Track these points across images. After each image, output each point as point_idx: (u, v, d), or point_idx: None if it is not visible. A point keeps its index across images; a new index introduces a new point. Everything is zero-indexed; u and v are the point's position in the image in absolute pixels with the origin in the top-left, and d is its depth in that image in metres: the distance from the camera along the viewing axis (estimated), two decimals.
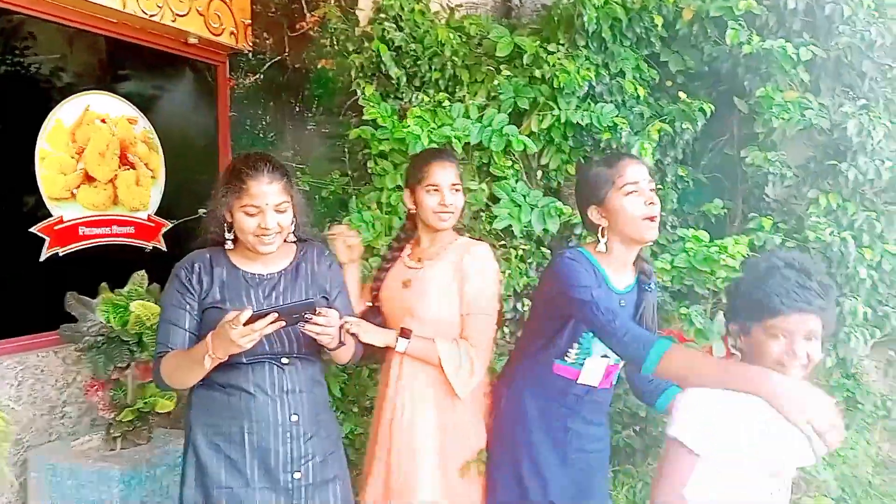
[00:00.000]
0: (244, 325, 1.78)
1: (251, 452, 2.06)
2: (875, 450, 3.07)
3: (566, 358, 2.13)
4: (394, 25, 3.36)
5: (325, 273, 2.23)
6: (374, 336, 2.30)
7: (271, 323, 1.81)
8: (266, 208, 2.02)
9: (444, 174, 2.37)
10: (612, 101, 3.32)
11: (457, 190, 2.39)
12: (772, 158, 3.14)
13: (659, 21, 3.30)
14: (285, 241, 2.18)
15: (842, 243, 2.94)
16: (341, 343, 2.12)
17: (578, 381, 2.14)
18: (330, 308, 2.07)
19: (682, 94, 3.29)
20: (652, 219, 2.02)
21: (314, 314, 1.89)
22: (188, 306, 2.07)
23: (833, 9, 3.07)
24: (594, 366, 2.13)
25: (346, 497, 2.22)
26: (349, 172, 3.69)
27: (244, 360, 2.03)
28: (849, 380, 3.05)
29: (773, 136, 3.28)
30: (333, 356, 2.21)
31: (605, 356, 2.12)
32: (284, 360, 2.11)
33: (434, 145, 2.98)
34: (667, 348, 1.78)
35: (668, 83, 3.54)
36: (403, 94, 3.46)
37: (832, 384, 3.04)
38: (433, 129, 3.03)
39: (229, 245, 2.12)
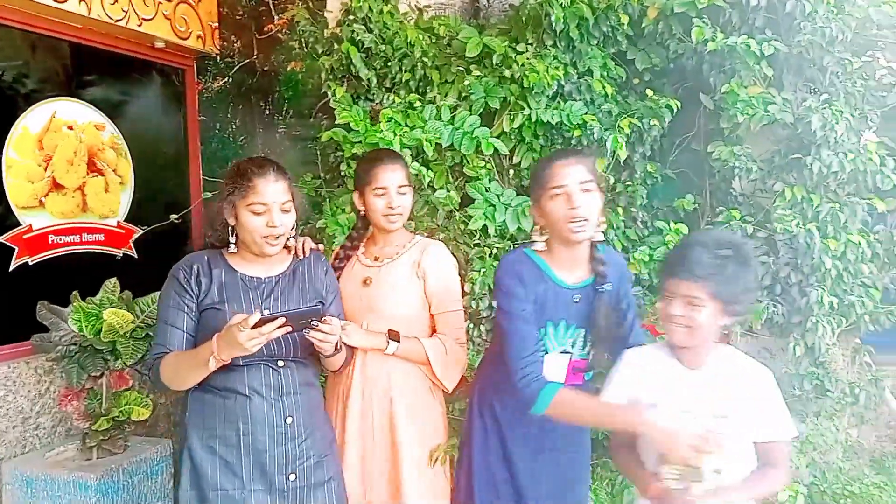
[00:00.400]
0: (252, 328, 1.78)
1: (246, 455, 2.07)
2: (844, 436, 3.15)
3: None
4: (363, 27, 3.37)
5: (322, 278, 2.26)
6: (364, 339, 2.34)
7: (279, 328, 1.81)
8: (273, 206, 2.04)
9: (391, 176, 2.40)
10: (580, 100, 3.36)
11: (403, 193, 2.42)
12: (738, 153, 3.20)
13: (625, 20, 3.35)
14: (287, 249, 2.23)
15: (807, 234, 3.02)
16: (337, 350, 2.14)
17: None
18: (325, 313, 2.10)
19: (649, 92, 3.34)
20: (573, 219, 1.97)
21: (320, 321, 1.91)
22: (186, 308, 2.07)
23: (794, 5, 3.14)
24: (555, 362, 2.11)
25: (341, 498, 2.24)
26: (321, 175, 3.68)
27: (240, 363, 2.04)
28: (817, 368, 3.12)
29: (739, 132, 3.35)
30: (326, 363, 2.23)
31: (566, 352, 2.11)
32: (280, 363, 2.12)
33: (406, 149, 3.00)
34: (555, 392, 1.90)
35: (636, 81, 3.60)
36: (374, 96, 3.47)
37: (801, 372, 3.11)
38: (405, 132, 3.04)
39: (233, 248, 2.13)
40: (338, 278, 2.44)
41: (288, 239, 2.17)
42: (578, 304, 2.08)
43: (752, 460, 1.82)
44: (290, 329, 1.84)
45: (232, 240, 2.12)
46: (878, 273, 3.26)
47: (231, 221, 2.10)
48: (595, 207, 2.01)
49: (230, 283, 2.12)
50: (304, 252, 2.27)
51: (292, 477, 2.12)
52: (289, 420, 2.12)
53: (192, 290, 2.09)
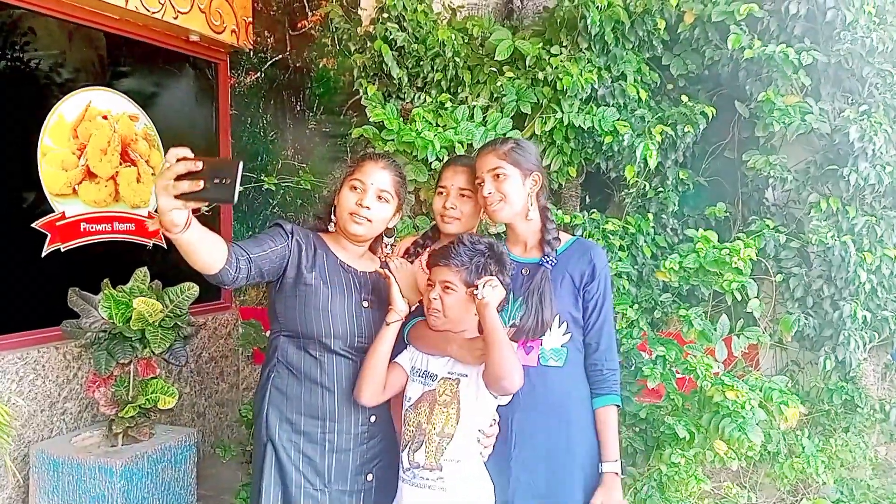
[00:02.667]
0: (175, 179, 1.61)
1: (329, 452, 2.10)
2: (873, 453, 3.10)
3: None
4: (396, 26, 3.36)
5: None
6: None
7: (193, 171, 1.60)
8: (369, 187, 2.11)
9: (452, 177, 2.42)
10: (613, 104, 3.33)
11: (463, 195, 2.41)
12: (773, 162, 3.16)
13: (661, 24, 3.31)
14: (372, 251, 2.29)
15: (842, 247, 2.97)
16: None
17: None
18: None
19: (684, 98, 3.30)
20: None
21: (234, 176, 1.61)
22: (270, 244, 2.06)
23: (835, 14, 3.08)
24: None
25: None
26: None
27: (323, 358, 2.08)
28: (847, 383, 3.07)
29: (773, 141, 3.31)
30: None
31: (514, 325, 2.15)
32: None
33: (444, 149, 3.01)
34: (413, 324, 2.16)
35: (669, 86, 3.56)
36: (405, 95, 3.47)
37: (831, 387, 3.06)
38: (438, 132, 3.04)
39: (331, 227, 2.21)
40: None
41: (382, 243, 2.29)
42: (525, 278, 2.19)
43: (482, 426, 2.06)
44: (202, 183, 1.59)
45: (332, 218, 2.20)
46: None
47: (335, 201, 2.19)
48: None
49: (331, 266, 2.16)
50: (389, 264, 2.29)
51: (370, 477, 2.15)
52: (373, 419, 2.15)
53: (290, 240, 2.10)
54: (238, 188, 1.58)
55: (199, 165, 1.58)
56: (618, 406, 2.22)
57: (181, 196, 1.60)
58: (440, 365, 2.08)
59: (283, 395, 2.10)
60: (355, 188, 2.13)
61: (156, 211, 1.66)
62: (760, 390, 2.63)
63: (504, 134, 3.12)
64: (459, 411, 2.01)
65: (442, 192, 2.44)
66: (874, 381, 3.32)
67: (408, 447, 2.04)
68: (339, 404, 2.09)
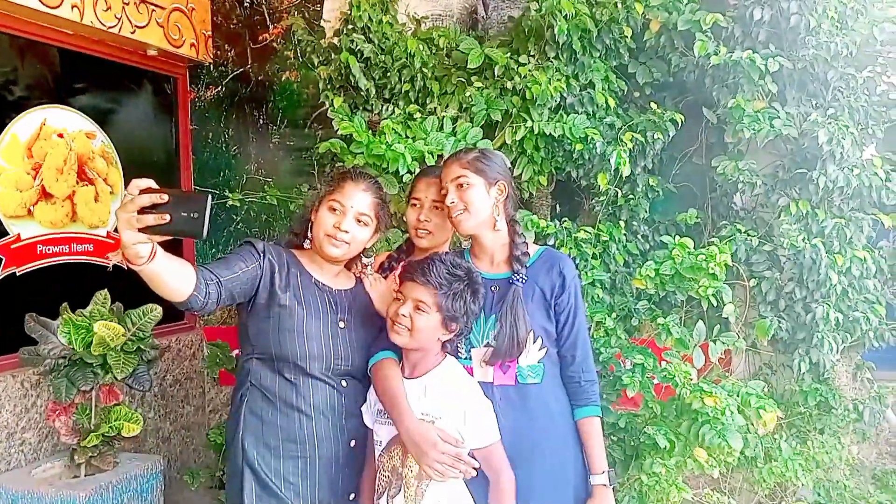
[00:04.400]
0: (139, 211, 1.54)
1: (312, 476, 2.04)
2: (847, 453, 3.12)
3: (460, 354, 2.13)
4: (362, 37, 3.32)
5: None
6: (380, 298, 2.26)
7: (158, 204, 1.54)
8: (349, 210, 2.07)
9: (425, 189, 2.37)
10: (582, 112, 3.33)
11: (436, 207, 2.35)
12: (742, 167, 3.18)
13: (628, 32, 3.33)
14: (350, 269, 2.23)
15: (813, 249, 2.99)
16: None
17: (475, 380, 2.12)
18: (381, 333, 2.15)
19: (653, 105, 3.32)
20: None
21: (204, 211, 1.55)
22: (241, 265, 1.99)
23: (798, 20, 3.12)
24: (480, 356, 2.12)
25: None
26: (318, 186, 3.63)
27: (299, 381, 2.02)
28: (821, 385, 3.10)
29: (741, 146, 3.34)
30: None
31: (490, 345, 2.10)
32: (343, 383, 2.10)
33: (415, 161, 2.97)
34: (379, 359, 2.08)
35: (636, 94, 3.57)
36: (373, 106, 3.43)
37: (805, 389, 3.08)
38: (408, 144, 2.99)
39: (307, 244, 2.16)
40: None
41: (358, 263, 2.24)
42: (496, 295, 2.14)
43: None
44: (168, 217, 1.53)
45: (308, 235, 2.15)
46: (881, 289, 3.25)
47: (312, 217, 2.13)
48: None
49: (305, 286, 2.10)
50: (364, 281, 2.26)
51: (352, 496, 2.10)
52: (353, 443, 2.10)
53: (263, 260, 2.04)
54: (207, 223, 1.52)
55: (165, 198, 1.52)
56: (599, 417, 2.17)
57: (146, 230, 1.53)
58: (411, 402, 2.00)
59: (259, 419, 2.03)
60: (334, 210, 2.08)
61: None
62: (738, 396, 2.63)
63: (475, 144, 3.08)
64: None
65: (416, 205, 2.39)
66: (846, 381, 3.35)
67: (385, 494, 1.97)
68: (318, 429, 2.04)
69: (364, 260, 2.27)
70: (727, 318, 2.83)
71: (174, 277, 1.75)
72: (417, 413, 1.97)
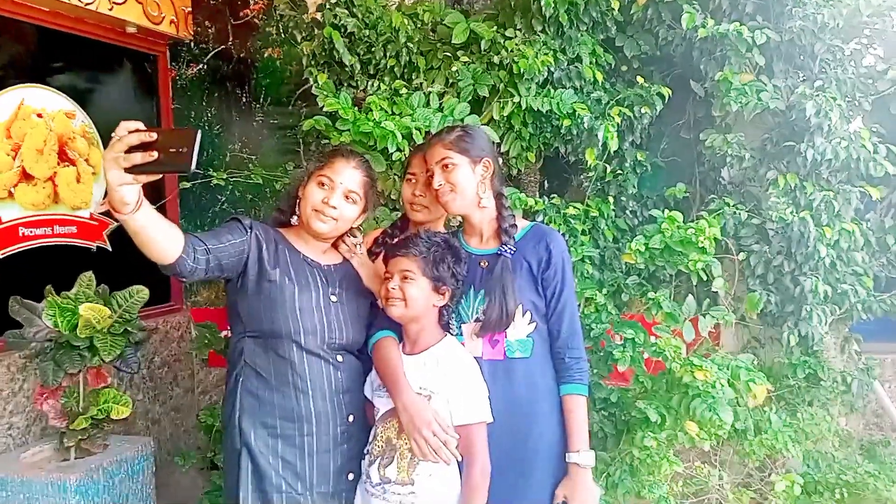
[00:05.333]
0: (126, 151, 1.51)
1: (309, 455, 2.02)
2: (835, 424, 3.15)
3: (451, 331, 2.14)
4: (346, 11, 3.27)
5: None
6: (364, 271, 2.28)
7: (146, 142, 1.51)
8: (338, 186, 2.07)
9: (420, 163, 2.34)
10: (570, 87, 3.30)
11: (348, 198, 2.33)
12: (730, 141, 3.17)
13: (615, 5, 3.28)
14: (336, 247, 2.22)
15: (801, 223, 2.99)
16: None
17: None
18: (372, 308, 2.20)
19: (640, 79, 3.29)
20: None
21: (192, 146, 1.51)
22: (228, 237, 1.97)
23: None
24: (471, 330, 2.13)
25: None
26: (304, 164, 3.59)
27: (294, 358, 2.00)
28: (810, 357, 3.11)
29: (728, 119, 3.32)
30: None
31: (478, 319, 2.11)
32: (339, 357, 2.09)
33: (405, 139, 2.93)
34: (378, 338, 2.12)
35: (624, 68, 3.55)
36: (357, 82, 3.38)
37: (794, 362, 3.10)
38: (396, 120, 2.96)
39: (294, 221, 2.14)
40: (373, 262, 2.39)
41: (345, 243, 2.22)
42: (485, 270, 2.15)
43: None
44: (156, 154, 1.50)
45: (296, 211, 2.13)
46: (869, 261, 3.26)
47: (300, 194, 2.12)
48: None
49: (295, 261, 2.09)
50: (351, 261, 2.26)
51: (350, 476, 2.09)
52: (351, 419, 2.09)
53: (249, 235, 2.02)
54: (195, 157, 1.48)
55: (153, 136, 1.49)
56: (583, 395, 2.15)
57: (133, 169, 1.50)
58: (409, 378, 2.02)
59: (256, 399, 2.01)
60: (323, 185, 2.07)
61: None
62: (728, 369, 2.64)
63: (462, 119, 3.05)
64: None
65: (410, 180, 2.39)
66: (835, 354, 3.38)
67: (377, 461, 2.00)
68: (315, 406, 2.02)
69: (351, 239, 2.25)
70: (716, 291, 2.84)
71: (161, 234, 1.72)
72: (415, 386, 2.00)
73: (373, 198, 2.19)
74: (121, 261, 3.92)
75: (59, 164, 3.79)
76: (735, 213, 3.14)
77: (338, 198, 2.06)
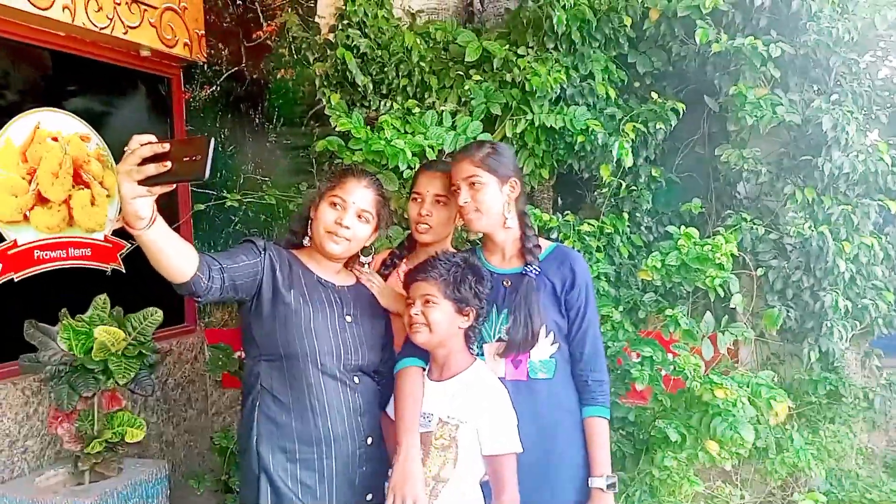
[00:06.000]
0: (139, 164, 1.50)
1: (329, 478, 1.99)
2: (858, 442, 3.10)
3: (472, 349, 2.12)
4: (358, 32, 3.28)
5: None
6: (391, 301, 2.26)
7: (159, 154, 1.50)
8: (350, 206, 2.05)
9: (427, 183, 2.35)
10: (583, 104, 3.29)
11: (438, 202, 2.33)
12: (746, 155, 3.15)
13: (627, 21, 3.29)
14: (348, 267, 2.21)
15: (819, 237, 2.96)
16: None
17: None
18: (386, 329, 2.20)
19: (653, 95, 3.28)
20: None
21: (206, 155, 1.49)
22: (242, 257, 1.96)
23: (799, 5, 3.08)
24: (493, 351, 2.11)
25: None
26: (317, 184, 3.59)
27: (311, 380, 1.98)
28: (831, 373, 3.07)
29: (743, 134, 3.30)
30: None
31: (501, 339, 2.09)
32: (356, 380, 2.06)
33: (416, 157, 2.93)
34: (403, 366, 2.09)
35: (637, 84, 3.54)
36: (370, 102, 3.38)
37: (815, 378, 3.05)
38: (408, 139, 2.95)
39: (306, 242, 2.13)
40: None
41: (357, 261, 2.22)
42: (508, 290, 2.12)
43: (481, 473, 1.98)
44: (169, 164, 1.48)
45: (308, 233, 2.12)
46: (889, 275, 3.22)
47: (312, 215, 2.10)
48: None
49: (309, 283, 2.07)
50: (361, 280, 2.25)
51: (370, 497, 2.06)
52: (369, 440, 2.07)
53: (263, 259, 2.01)
54: (209, 164, 1.46)
55: (166, 147, 1.48)
56: (606, 418, 2.13)
57: (146, 181, 1.49)
58: (436, 405, 2.00)
59: (273, 423, 1.99)
60: (335, 205, 2.05)
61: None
62: (748, 386, 2.60)
63: (475, 137, 3.05)
64: (458, 456, 1.94)
65: (417, 199, 2.36)
66: (856, 369, 3.33)
67: None
68: (333, 429, 1.99)
69: (362, 258, 2.24)
70: (734, 308, 2.80)
71: (176, 251, 1.72)
72: (443, 415, 1.97)
73: (385, 217, 2.17)
74: (135, 283, 3.92)
75: (73, 186, 3.81)
76: (752, 228, 3.10)
77: (350, 218, 2.05)
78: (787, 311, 3.07)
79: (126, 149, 1.53)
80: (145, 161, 1.48)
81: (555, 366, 2.10)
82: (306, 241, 2.14)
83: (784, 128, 3.19)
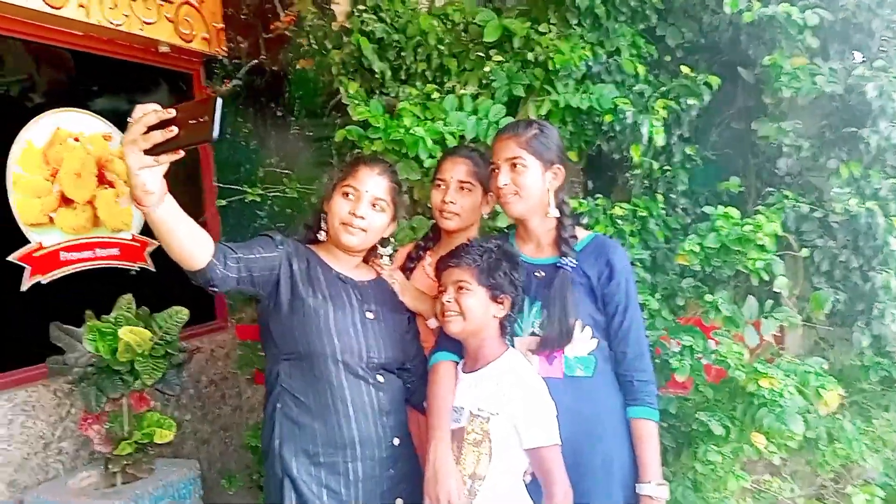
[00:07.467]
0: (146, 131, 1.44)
1: (355, 483, 1.93)
2: None
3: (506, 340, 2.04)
4: (373, 17, 3.18)
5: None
6: (413, 300, 2.21)
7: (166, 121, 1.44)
8: (364, 195, 1.98)
9: (451, 168, 2.29)
10: (610, 82, 3.16)
11: (463, 188, 2.26)
12: (785, 129, 2.97)
13: None
14: (368, 261, 2.14)
15: (868, 214, 2.78)
16: None
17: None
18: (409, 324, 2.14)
19: (684, 69, 3.12)
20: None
21: (212, 117, 1.42)
22: (259, 249, 1.91)
23: None
24: (526, 345, 2.02)
25: None
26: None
27: (333, 380, 1.91)
28: (884, 358, 2.89)
29: (783, 107, 3.12)
30: None
31: (535, 334, 2.00)
32: (380, 378, 1.99)
33: (436, 145, 2.83)
34: (436, 360, 2.03)
35: (667, 58, 3.37)
36: (389, 89, 3.28)
37: (866, 364, 2.88)
38: (428, 126, 2.85)
39: (322, 236, 2.06)
40: (407, 279, 2.31)
41: (376, 254, 2.14)
42: (542, 282, 2.02)
43: (520, 469, 1.90)
44: (176, 129, 1.42)
45: (323, 227, 2.05)
46: None
47: (325, 208, 2.04)
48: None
49: (328, 279, 2.00)
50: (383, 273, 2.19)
51: (399, 502, 1.99)
52: (396, 441, 2.00)
53: (281, 255, 1.95)
54: (217, 125, 1.39)
55: (172, 113, 1.43)
56: (654, 421, 2.02)
57: (153, 150, 1.43)
58: (467, 398, 1.91)
59: (296, 425, 1.93)
60: (348, 195, 1.98)
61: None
62: (795, 375, 2.45)
63: (497, 122, 2.93)
64: (492, 451, 1.85)
65: (440, 186, 2.29)
66: None
67: None
68: (358, 430, 1.92)
69: (380, 250, 2.15)
70: (779, 292, 2.65)
71: (187, 233, 1.66)
72: (473, 408, 1.89)
73: (400, 203, 2.10)
74: (163, 281, 3.90)
75: (98, 186, 3.79)
76: (795, 206, 2.93)
77: (365, 207, 1.97)
78: (836, 294, 2.89)
79: (130, 119, 1.47)
80: (151, 129, 1.43)
81: (594, 363, 1.99)
82: (322, 236, 2.06)
83: (826, 99, 3.01)
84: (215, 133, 1.39)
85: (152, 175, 1.48)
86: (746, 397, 2.39)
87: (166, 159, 1.47)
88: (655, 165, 3.15)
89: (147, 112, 1.43)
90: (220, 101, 1.41)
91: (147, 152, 1.44)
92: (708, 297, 2.53)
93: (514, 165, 2.01)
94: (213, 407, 4.45)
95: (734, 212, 2.51)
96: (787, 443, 2.37)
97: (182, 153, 1.47)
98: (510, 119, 3.00)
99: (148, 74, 4.22)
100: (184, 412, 4.17)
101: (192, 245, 1.69)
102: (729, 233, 2.45)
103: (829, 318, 3.01)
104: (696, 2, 3.19)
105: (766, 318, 2.57)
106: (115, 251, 3.88)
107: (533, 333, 2.01)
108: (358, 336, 1.97)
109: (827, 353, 3.07)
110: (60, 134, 3.62)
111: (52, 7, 3.36)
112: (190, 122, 1.41)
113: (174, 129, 1.41)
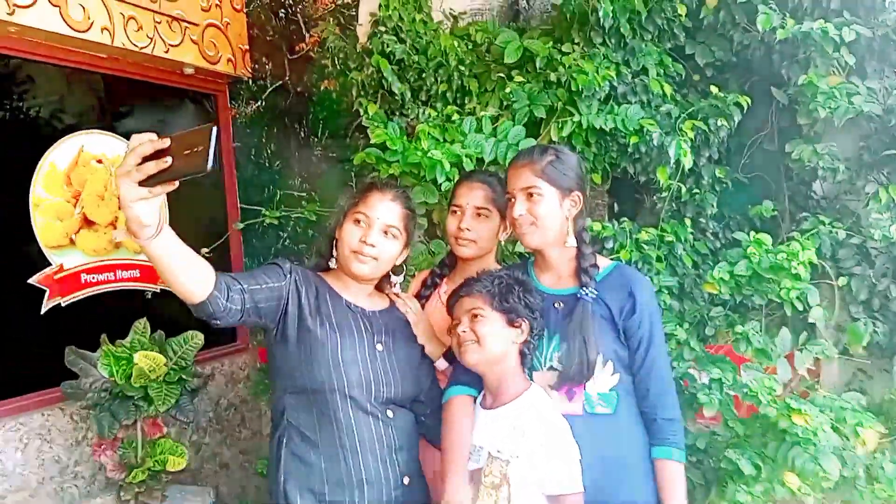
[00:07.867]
0: (140, 162, 1.39)
1: None
2: None
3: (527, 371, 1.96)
4: (394, 38, 3.13)
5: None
6: (425, 338, 2.12)
7: (160, 150, 1.38)
8: (375, 222, 1.91)
9: (467, 194, 2.23)
10: (636, 102, 3.06)
11: (479, 214, 2.21)
12: (821, 151, 2.85)
13: (682, 10, 3.03)
14: (381, 290, 2.08)
15: None
16: None
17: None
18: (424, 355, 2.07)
19: (713, 89, 3.01)
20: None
21: (208, 150, 1.36)
22: (265, 278, 1.84)
23: None
24: (544, 380, 1.92)
25: None
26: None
27: (340, 415, 1.83)
28: None
29: (817, 128, 3.00)
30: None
31: (554, 369, 1.90)
32: (389, 413, 1.91)
33: (454, 168, 2.76)
34: (452, 395, 1.95)
35: (696, 78, 3.27)
36: (409, 111, 3.23)
37: None
38: (445, 148, 2.78)
39: (332, 264, 2.00)
40: (422, 307, 2.23)
41: (389, 281, 2.08)
42: (561, 313, 1.93)
43: None
44: (170, 160, 1.37)
45: (334, 254, 1.99)
46: None
47: (336, 235, 1.98)
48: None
49: (337, 308, 1.93)
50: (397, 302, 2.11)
51: None
52: (406, 480, 1.90)
53: (288, 283, 1.88)
54: (212, 155, 1.33)
55: (167, 142, 1.36)
56: (681, 462, 1.91)
57: (147, 181, 1.37)
58: (486, 437, 1.82)
59: (301, 462, 1.85)
60: (359, 222, 1.91)
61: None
62: (831, 411, 2.32)
63: (517, 144, 2.85)
64: (510, 496, 1.75)
65: (456, 212, 2.23)
66: None
67: None
68: (366, 468, 1.84)
69: (393, 278, 2.07)
70: (814, 322, 2.52)
71: (186, 266, 1.60)
72: (492, 449, 1.80)
73: (413, 230, 2.02)
74: (183, 302, 3.87)
75: (120, 208, 3.79)
76: (831, 232, 2.79)
77: (376, 235, 1.90)
78: (874, 325, 2.75)
79: (126, 149, 1.42)
80: (146, 160, 1.37)
81: (616, 399, 1.89)
82: (332, 264, 1.99)
83: (863, 119, 2.88)
84: (209, 164, 1.33)
85: (148, 207, 1.42)
86: (779, 434, 2.26)
87: (160, 191, 1.41)
88: (683, 188, 3.04)
89: (143, 142, 1.38)
90: (215, 131, 1.35)
91: (141, 184, 1.38)
92: (739, 329, 2.41)
93: (531, 195, 1.94)
94: (233, 430, 4.40)
95: (766, 238, 2.39)
96: (822, 483, 2.23)
97: (176, 184, 1.41)
98: (531, 141, 2.92)
99: (173, 96, 4.23)
100: (202, 435, 4.13)
101: (192, 278, 1.63)
102: (761, 260, 2.33)
103: (867, 350, 2.86)
104: (727, 20, 3.08)
105: (800, 350, 2.45)
106: (135, 273, 3.86)
107: (552, 368, 1.92)
108: (367, 369, 1.89)
109: (865, 386, 2.92)
110: (84, 156, 3.63)
111: (76, 31, 3.37)
112: (185, 152, 1.36)
113: (168, 160, 1.36)
